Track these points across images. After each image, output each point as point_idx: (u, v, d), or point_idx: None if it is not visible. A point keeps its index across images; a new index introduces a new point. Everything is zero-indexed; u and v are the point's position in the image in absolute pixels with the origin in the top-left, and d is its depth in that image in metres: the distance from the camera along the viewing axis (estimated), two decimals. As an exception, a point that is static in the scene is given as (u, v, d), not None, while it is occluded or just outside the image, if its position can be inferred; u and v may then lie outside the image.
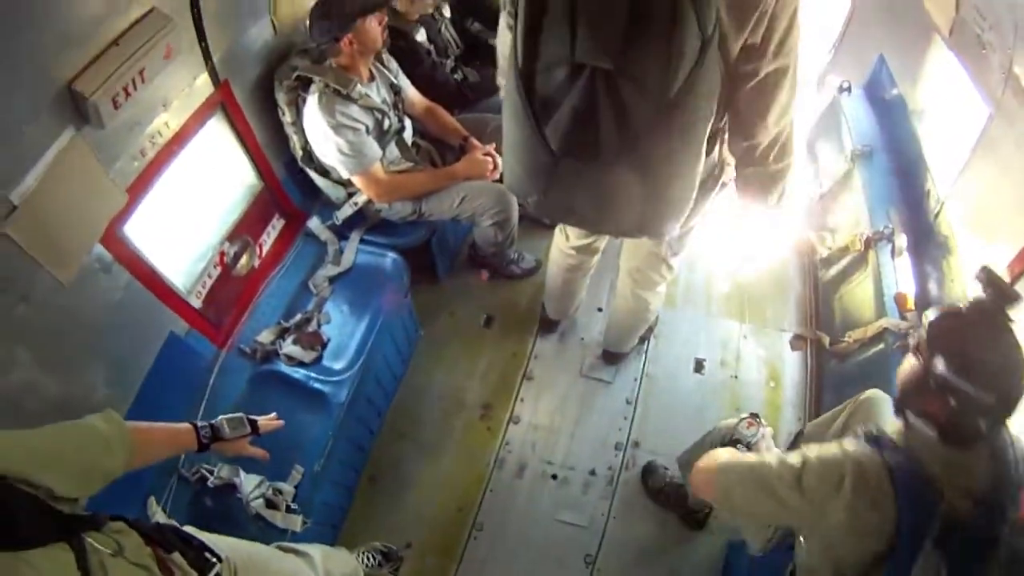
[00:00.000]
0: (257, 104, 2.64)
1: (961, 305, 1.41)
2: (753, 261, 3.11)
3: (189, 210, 2.38)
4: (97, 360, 1.95)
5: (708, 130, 1.54)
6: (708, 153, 1.68)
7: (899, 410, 1.51)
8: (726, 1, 1.39)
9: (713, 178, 1.97)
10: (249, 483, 2.16)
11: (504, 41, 1.95)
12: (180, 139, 2.20)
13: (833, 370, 3.05)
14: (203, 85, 2.29)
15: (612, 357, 3.21)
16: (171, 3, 1.97)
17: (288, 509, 2.18)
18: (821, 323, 3.34)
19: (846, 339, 2.84)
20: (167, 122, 2.13)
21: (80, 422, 1.30)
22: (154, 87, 1.96)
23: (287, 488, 2.20)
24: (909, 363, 1.46)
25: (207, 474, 2.17)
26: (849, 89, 3.49)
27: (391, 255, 2.85)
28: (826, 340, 3.08)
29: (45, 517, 1.04)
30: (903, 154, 3.12)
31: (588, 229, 2.46)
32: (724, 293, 3.52)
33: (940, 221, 2.73)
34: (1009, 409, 1.33)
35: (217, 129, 2.45)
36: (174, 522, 1.56)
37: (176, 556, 1.30)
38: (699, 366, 3.24)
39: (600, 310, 3.40)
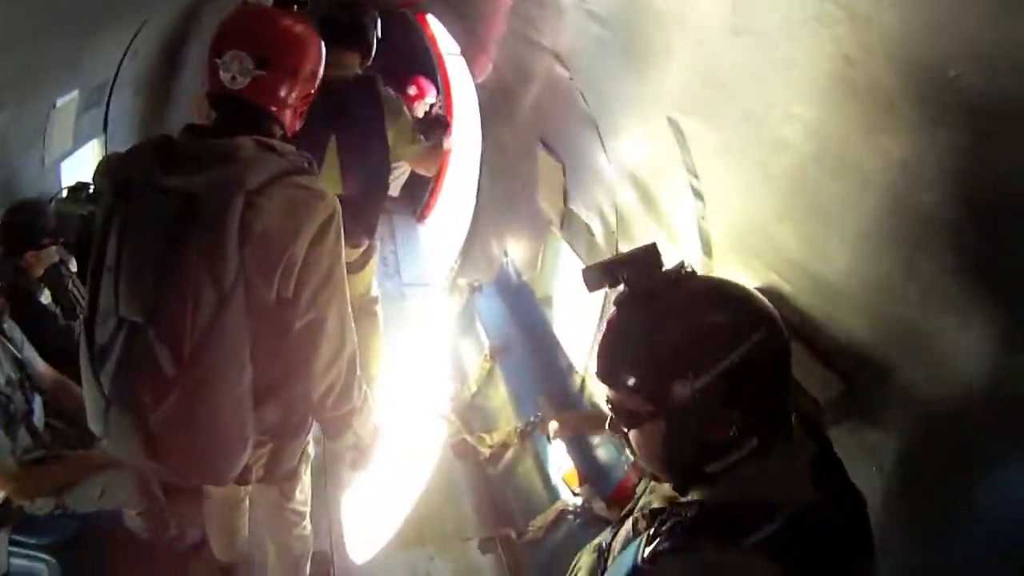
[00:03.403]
0: None
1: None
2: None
3: None
4: None
5: (247, 382, 1.59)
6: (264, 402, 1.71)
7: (690, 476, 1.10)
8: (252, 257, 1.48)
9: (291, 426, 1.92)
10: None
11: None
12: None
13: (531, 560, 2.98)
14: None
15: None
16: None
17: None
18: (504, 519, 3.26)
19: (531, 528, 2.88)
20: None
21: None
22: None
23: None
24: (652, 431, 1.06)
25: None
26: (480, 288, 3.81)
27: (43, 557, 2.48)
28: (513, 534, 3.05)
29: None
30: (540, 339, 3.42)
31: (150, 474, 2.44)
32: (396, 523, 3.28)
33: (587, 394, 2.97)
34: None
35: None
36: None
37: None
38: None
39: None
